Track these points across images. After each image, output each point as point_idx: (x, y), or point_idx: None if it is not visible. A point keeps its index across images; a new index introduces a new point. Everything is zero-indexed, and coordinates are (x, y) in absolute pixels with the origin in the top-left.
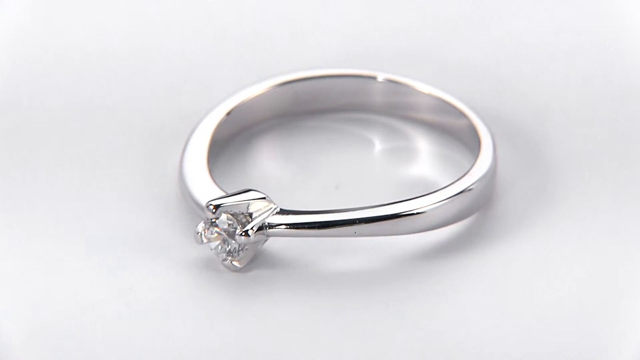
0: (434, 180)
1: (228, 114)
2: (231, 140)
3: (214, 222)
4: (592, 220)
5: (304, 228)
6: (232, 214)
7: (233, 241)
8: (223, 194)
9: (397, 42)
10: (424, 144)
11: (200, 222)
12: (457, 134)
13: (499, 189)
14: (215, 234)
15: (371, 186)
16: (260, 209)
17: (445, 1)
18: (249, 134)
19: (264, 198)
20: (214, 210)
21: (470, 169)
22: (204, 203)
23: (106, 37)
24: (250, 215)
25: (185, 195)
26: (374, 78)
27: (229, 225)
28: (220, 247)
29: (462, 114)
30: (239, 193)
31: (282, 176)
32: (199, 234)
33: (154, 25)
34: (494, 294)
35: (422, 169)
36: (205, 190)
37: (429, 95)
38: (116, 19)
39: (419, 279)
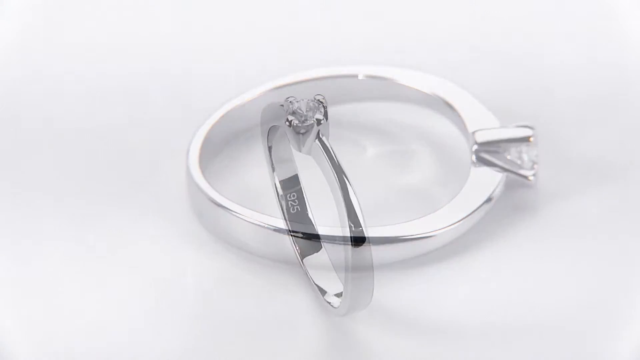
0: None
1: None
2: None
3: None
4: (595, 218)
5: None
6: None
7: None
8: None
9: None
10: (417, 144)
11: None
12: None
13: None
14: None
15: (367, 185)
16: None
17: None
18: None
19: None
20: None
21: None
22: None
23: (107, 40)
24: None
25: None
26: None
27: None
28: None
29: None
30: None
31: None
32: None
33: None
34: (489, 292)
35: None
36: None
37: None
38: (116, 20)
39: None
